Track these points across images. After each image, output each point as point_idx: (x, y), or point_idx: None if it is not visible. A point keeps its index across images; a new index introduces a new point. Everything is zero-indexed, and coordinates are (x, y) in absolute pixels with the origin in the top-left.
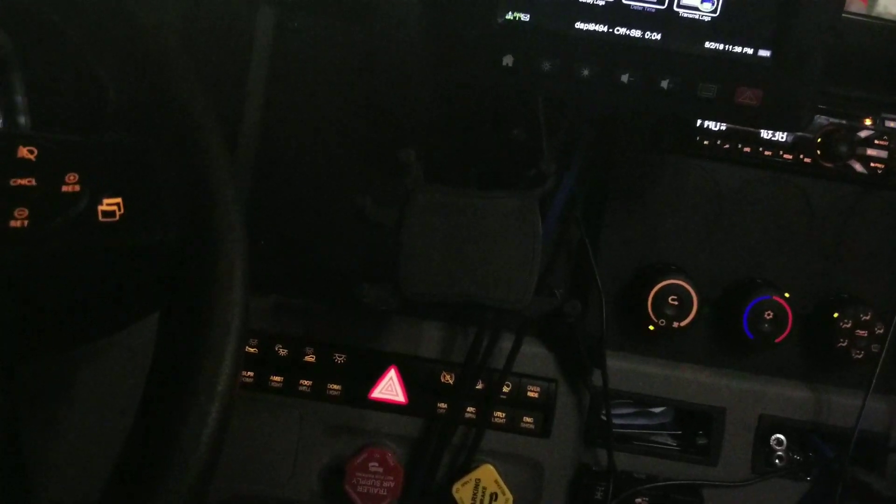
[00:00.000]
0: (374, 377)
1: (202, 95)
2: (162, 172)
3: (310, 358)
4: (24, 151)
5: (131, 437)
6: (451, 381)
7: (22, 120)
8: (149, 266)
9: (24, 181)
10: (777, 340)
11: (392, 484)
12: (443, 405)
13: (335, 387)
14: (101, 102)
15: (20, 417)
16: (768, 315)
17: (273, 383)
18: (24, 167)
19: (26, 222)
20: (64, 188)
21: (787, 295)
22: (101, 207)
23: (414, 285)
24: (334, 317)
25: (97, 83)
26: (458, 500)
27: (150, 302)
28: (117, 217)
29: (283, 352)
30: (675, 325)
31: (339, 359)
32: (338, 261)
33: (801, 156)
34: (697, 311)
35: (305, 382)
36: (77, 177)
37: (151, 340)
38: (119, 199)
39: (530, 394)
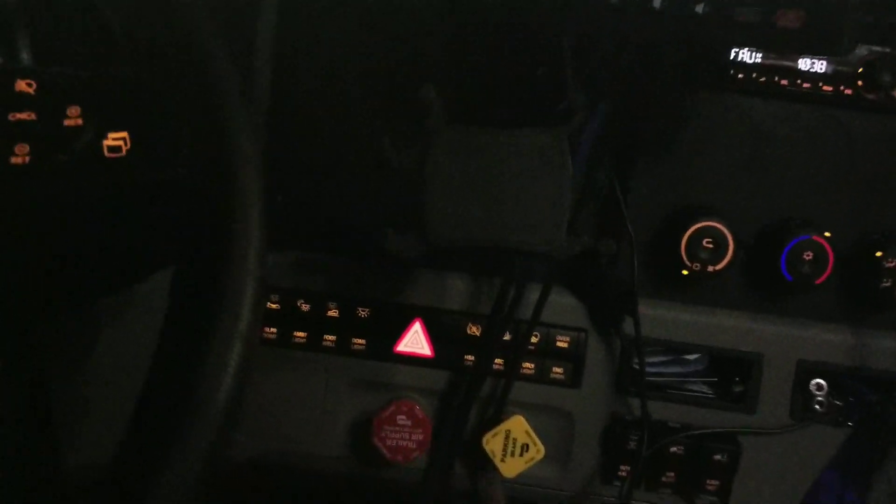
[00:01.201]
0: (399, 330)
1: (213, 28)
2: (171, 106)
3: (333, 312)
4: (22, 85)
5: (147, 387)
6: (477, 333)
7: (24, 56)
8: (161, 206)
9: (23, 115)
10: (817, 282)
11: (421, 436)
12: (470, 357)
13: (360, 341)
14: (106, 36)
15: (47, 378)
16: (807, 256)
17: (296, 339)
18: (24, 101)
19: (28, 158)
20: (66, 122)
21: (827, 234)
22: (106, 142)
23: (439, 231)
24: (357, 270)
25: (101, 15)
26: (489, 452)
27: (166, 248)
28: (124, 152)
29: (305, 307)
30: (710, 268)
31: (363, 313)
32: (359, 212)
33: (842, 87)
34: (733, 254)
35: (329, 338)
36: (79, 110)
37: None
38: (125, 134)
39: (559, 344)
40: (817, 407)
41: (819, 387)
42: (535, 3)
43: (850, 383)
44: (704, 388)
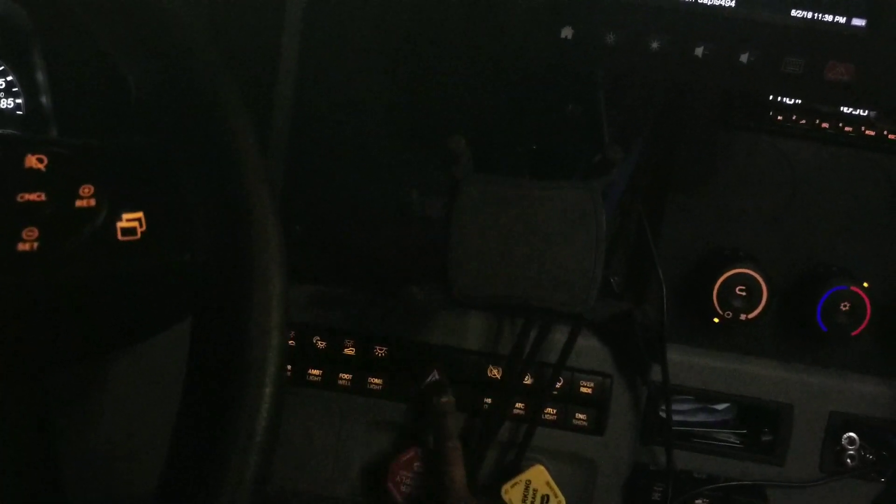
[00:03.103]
0: (417, 370)
1: (233, 90)
2: (188, 180)
3: (349, 351)
4: (32, 160)
5: (178, 438)
6: (497, 376)
7: (44, 99)
8: (176, 282)
9: (32, 196)
10: (853, 333)
11: None
12: (489, 400)
13: (376, 381)
14: (125, 97)
15: (53, 425)
16: (844, 306)
17: (311, 377)
18: (33, 179)
19: (36, 244)
20: (78, 203)
21: (865, 284)
22: (120, 224)
23: (465, 287)
24: (374, 307)
25: (119, 75)
26: (508, 502)
27: (180, 312)
28: (139, 234)
29: (321, 344)
30: (743, 317)
31: (380, 351)
32: (378, 248)
33: (886, 132)
34: (767, 302)
35: (345, 376)
36: (92, 189)
37: (185, 335)
38: (140, 214)
39: (583, 389)
40: (849, 461)
41: (851, 440)
42: (573, 51)
43: (885, 436)
44: (732, 438)
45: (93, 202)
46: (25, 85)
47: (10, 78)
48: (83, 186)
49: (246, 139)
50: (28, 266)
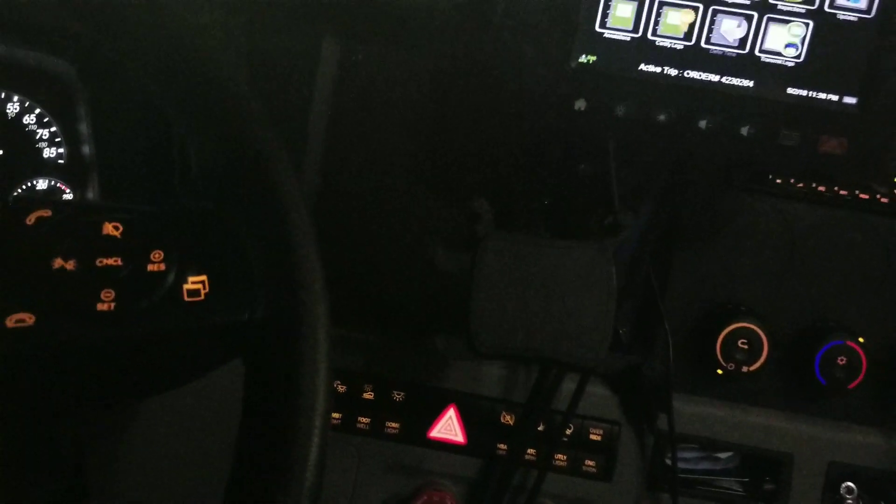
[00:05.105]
0: (434, 415)
1: (284, 156)
2: (245, 244)
3: (368, 395)
4: (109, 228)
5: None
6: (510, 422)
7: (86, 150)
8: (229, 337)
9: (110, 261)
10: (850, 386)
11: None
12: (502, 446)
13: (393, 424)
14: (170, 159)
15: (86, 464)
16: (841, 361)
17: (332, 420)
18: (110, 245)
19: (113, 305)
20: (149, 267)
21: (861, 340)
22: (186, 286)
23: (486, 340)
24: (393, 352)
25: (169, 137)
26: None
27: (223, 361)
28: (202, 296)
29: (341, 388)
30: (745, 369)
31: (398, 396)
32: (401, 298)
33: (878, 195)
34: (768, 355)
35: (363, 419)
36: (162, 254)
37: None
38: (204, 277)
39: (593, 436)
40: None
41: (850, 490)
42: (586, 121)
43: (883, 487)
44: (735, 486)
45: (163, 266)
46: (68, 135)
47: (53, 128)
48: (154, 252)
49: (299, 210)
50: (106, 324)
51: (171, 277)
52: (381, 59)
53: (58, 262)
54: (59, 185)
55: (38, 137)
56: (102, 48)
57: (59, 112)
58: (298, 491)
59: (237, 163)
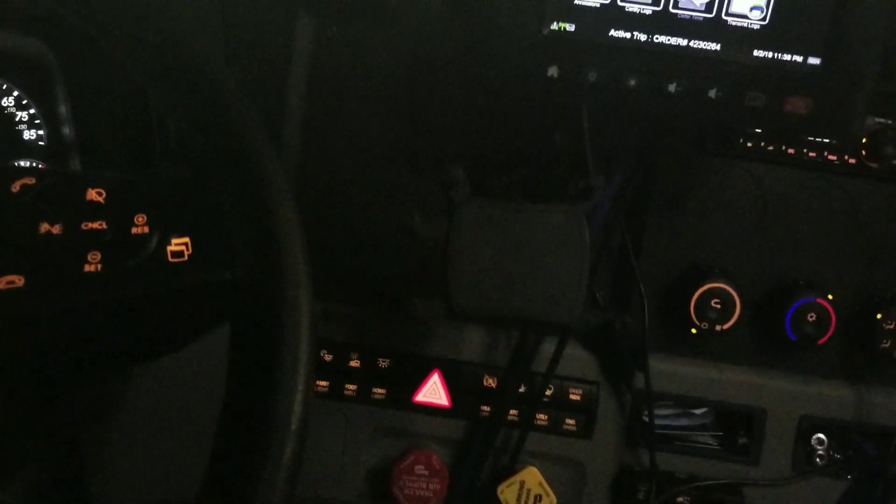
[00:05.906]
0: (418, 381)
1: (259, 123)
2: (226, 208)
3: (354, 363)
4: (92, 194)
5: (221, 433)
6: (493, 385)
7: (66, 131)
8: (214, 298)
9: (95, 224)
10: (820, 342)
11: (438, 486)
12: (486, 408)
13: (380, 391)
14: (149, 133)
15: (82, 439)
16: (811, 317)
17: (319, 388)
18: (95, 210)
19: (100, 266)
20: (133, 230)
21: (830, 297)
22: (169, 248)
23: (464, 302)
24: (378, 322)
25: (147, 112)
26: (503, 502)
27: (211, 325)
28: (186, 257)
29: (328, 357)
30: (718, 328)
31: (383, 363)
32: (382, 267)
33: (846, 157)
34: (740, 314)
35: (350, 387)
36: (145, 218)
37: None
38: (187, 239)
39: (572, 396)
40: (818, 460)
41: (820, 441)
42: (558, 88)
43: (851, 437)
44: (711, 441)
45: (146, 229)
46: (48, 117)
47: (32, 111)
48: (137, 216)
49: (275, 168)
50: (94, 285)
51: (154, 239)
52: (358, 32)
53: (44, 227)
54: (40, 166)
55: (17, 120)
56: (75, 26)
57: (37, 94)
58: (283, 438)
59: (213, 133)
